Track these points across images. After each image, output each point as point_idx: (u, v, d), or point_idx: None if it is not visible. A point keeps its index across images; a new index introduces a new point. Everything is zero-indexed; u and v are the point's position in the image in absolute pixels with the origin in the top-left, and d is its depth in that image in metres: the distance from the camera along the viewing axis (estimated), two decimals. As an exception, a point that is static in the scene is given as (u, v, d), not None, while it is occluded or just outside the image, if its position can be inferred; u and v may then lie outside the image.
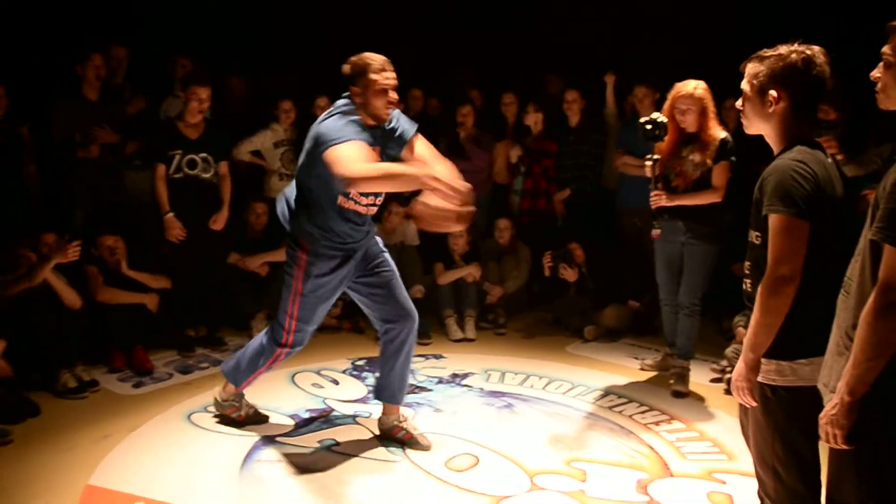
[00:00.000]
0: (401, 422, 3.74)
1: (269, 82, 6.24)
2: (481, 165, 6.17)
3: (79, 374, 4.33)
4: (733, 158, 4.17)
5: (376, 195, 3.41)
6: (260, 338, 3.72)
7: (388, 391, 3.72)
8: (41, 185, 5.25)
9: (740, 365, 2.21)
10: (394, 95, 3.29)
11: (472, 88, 6.57)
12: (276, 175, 5.76)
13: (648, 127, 4.14)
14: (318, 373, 4.66)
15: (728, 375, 4.49)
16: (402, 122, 3.45)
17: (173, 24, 6.32)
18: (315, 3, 6.94)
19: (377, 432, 3.80)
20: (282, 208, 3.53)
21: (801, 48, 2.19)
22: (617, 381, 4.62)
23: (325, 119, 3.28)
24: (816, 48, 2.20)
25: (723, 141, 4.16)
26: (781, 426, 2.21)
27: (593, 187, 6.03)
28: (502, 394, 4.40)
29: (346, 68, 3.30)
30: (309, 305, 3.50)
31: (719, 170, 4.16)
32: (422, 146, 3.48)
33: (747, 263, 2.32)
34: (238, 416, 3.83)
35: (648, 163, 4.21)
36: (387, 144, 3.40)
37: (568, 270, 5.60)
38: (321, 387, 4.46)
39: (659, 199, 4.20)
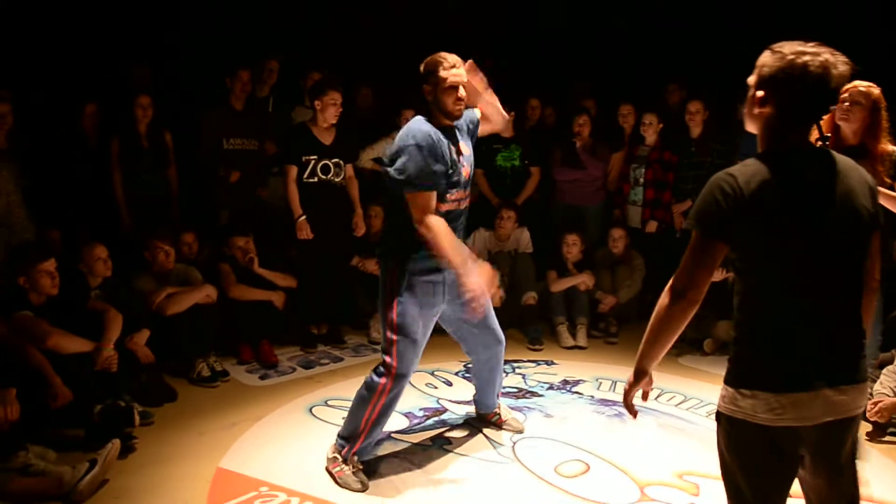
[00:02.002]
0: (496, 410, 3.99)
1: (395, 92, 6.43)
2: (596, 175, 6.15)
3: (212, 364, 4.63)
4: None
5: (465, 187, 3.41)
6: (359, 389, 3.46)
7: (486, 403, 3.98)
8: (181, 188, 5.61)
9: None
10: (463, 92, 3.31)
11: (589, 98, 6.56)
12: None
13: None
14: (432, 373, 4.79)
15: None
16: (470, 116, 3.52)
17: (306, 40, 6.66)
18: (438, 16, 7.14)
19: (487, 433, 3.90)
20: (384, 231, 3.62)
21: (809, 49, 1.89)
22: (733, 396, 4.51)
23: (406, 140, 3.23)
24: (826, 54, 1.88)
25: None
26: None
27: None
28: (613, 402, 4.38)
29: (420, 67, 3.35)
30: (409, 311, 3.31)
31: None
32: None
33: None
34: (338, 472, 3.41)
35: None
36: (464, 139, 3.46)
37: (719, 272, 5.43)
38: (435, 387, 4.59)
39: None
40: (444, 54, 3.31)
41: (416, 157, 3.17)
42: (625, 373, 4.80)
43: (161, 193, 5.44)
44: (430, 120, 3.30)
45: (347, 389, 4.37)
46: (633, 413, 2.20)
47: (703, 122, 5.81)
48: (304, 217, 5.07)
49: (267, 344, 5.00)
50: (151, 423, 3.94)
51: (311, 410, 4.20)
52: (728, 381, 1.99)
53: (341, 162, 5.19)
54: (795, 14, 6.54)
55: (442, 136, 3.27)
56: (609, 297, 5.77)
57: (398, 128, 5.84)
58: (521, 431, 3.94)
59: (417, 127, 3.25)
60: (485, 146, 5.99)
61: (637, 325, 5.94)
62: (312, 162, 5.08)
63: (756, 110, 1.97)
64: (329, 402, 4.30)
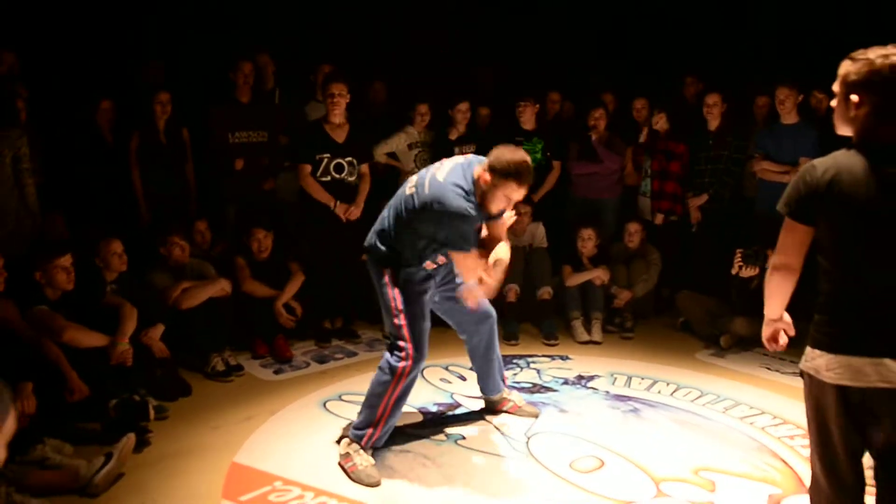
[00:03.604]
0: (506, 396, 4.06)
1: (408, 86, 6.40)
2: (613, 168, 6.10)
3: (226, 359, 4.64)
4: None
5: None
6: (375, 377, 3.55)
7: (491, 384, 4.03)
8: (197, 183, 5.61)
9: None
10: (510, 215, 3.54)
11: (607, 92, 6.52)
12: (409, 175, 5.90)
13: None
14: (446, 368, 4.78)
15: None
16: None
17: (317, 34, 6.65)
18: (450, 10, 7.12)
19: (501, 428, 3.88)
20: (377, 231, 3.59)
21: (891, 51, 2.11)
22: (748, 391, 4.47)
23: (447, 185, 3.27)
24: None
25: None
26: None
27: (733, 194, 5.86)
28: (628, 398, 4.36)
29: (494, 161, 3.23)
30: (409, 295, 3.46)
31: None
32: (496, 228, 3.60)
33: None
34: (351, 467, 3.42)
35: None
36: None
37: (749, 269, 5.36)
38: (449, 382, 4.57)
39: None
40: (521, 165, 3.22)
41: (461, 224, 3.29)
42: (640, 368, 4.87)
43: (178, 190, 5.45)
44: (468, 195, 3.26)
45: (361, 384, 4.35)
46: (779, 346, 2.47)
47: (721, 114, 5.76)
48: (337, 202, 5.08)
49: (281, 338, 5.00)
50: (166, 418, 3.95)
51: (325, 405, 4.20)
52: (808, 341, 2.28)
53: (355, 161, 5.16)
54: (795, 14, 6.49)
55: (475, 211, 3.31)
56: (624, 291, 5.73)
57: (411, 122, 5.88)
58: (536, 416, 4.01)
59: (457, 201, 3.23)
60: (507, 139, 5.95)
61: (653, 320, 5.92)
62: (325, 160, 5.06)
63: (852, 113, 2.18)
64: (343, 397, 4.30)
